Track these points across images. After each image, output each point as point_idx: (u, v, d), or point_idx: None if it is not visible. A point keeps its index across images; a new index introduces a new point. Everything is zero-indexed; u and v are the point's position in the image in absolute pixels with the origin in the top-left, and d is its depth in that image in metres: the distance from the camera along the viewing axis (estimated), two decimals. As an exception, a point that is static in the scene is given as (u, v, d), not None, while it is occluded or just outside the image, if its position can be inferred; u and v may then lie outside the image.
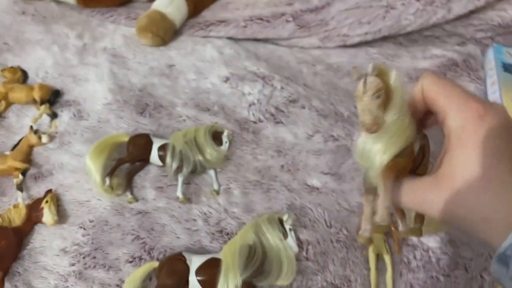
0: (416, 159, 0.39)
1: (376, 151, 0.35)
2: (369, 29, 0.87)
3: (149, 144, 0.69)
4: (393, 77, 0.36)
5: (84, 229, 0.63)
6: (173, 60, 0.85)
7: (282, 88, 0.80)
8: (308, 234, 0.65)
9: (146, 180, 0.69)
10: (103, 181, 0.65)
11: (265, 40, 0.92)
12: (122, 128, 0.74)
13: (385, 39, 0.91)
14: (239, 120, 0.76)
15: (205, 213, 0.66)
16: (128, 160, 0.68)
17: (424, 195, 0.34)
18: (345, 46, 0.90)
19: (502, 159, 0.31)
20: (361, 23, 0.87)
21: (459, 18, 0.89)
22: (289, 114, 0.77)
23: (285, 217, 0.64)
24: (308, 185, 0.70)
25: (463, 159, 0.32)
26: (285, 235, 0.62)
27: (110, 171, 0.66)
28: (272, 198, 0.69)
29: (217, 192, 0.69)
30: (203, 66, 0.83)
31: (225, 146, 0.72)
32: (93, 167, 0.66)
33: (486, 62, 0.83)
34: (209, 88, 0.81)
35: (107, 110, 0.76)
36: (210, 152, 0.69)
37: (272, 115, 0.77)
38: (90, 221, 0.64)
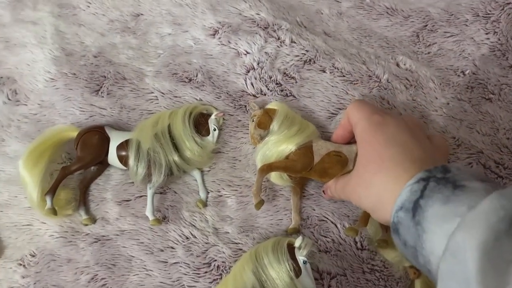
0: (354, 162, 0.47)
1: (258, 156, 0.50)
2: None
3: (105, 141, 0.51)
4: (275, 108, 0.51)
5: (25, 266, 0.48)
6: (140, 6, 0.63)
7: (292, 41, 0.58)
8: (331, 263, 0.48)
9: (107, 190, 0.52)
10: (43, 201, 0.48)
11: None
12: (71, 115, 0.55)
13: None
14: (233, 93, 0.56)
15: (187, 237, 0.49)
16: (76, 168, 0.50)
17: (345, 185, 0.44)
18: (382, -30, 0.65)
19: (393, 145, 0.39)
20: None
21: None
22: (303, 82, 0.56)
23: (297, 243, 0.46)
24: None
25: (363, 151, 0.41)
26: (297, 270, 0.45)
27: (52, 186, 0.48)
28: (280, 208, 0.51)
29: (204, 203, 0.51)
30: (181, 14, 0.61)
31: (213, 135, 0.53)
32: (29, 180, 0.49)
33: None
34: (190, 46, 0.59)
35: (51, 89, 0.57)
36: (191, 147, 0.50)
37: (279, 84, 0.56)
38: (32, 255, 0.49)
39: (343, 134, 0.48)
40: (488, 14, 0.60)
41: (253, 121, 0.51)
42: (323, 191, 0.50)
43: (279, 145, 0.48)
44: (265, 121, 0.50)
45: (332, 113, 0.54)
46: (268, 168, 0.46)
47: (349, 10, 0.63)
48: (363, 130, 0.42)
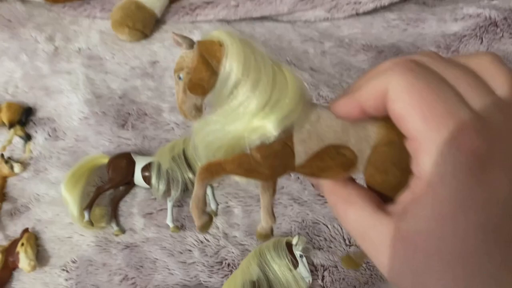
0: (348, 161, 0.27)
1: (196, 142, 0.28)
2: (384, -9, 0.75)
3: (131, 165, 0.62)
4: (221, 42, 0.26)
5: (67, 271, 0.58)
6: (156, 55, 0.76)
7: (283, 77, 0.70)
8: (324, 257, 0.57)
9: (133, 205, 0.62)
10: (82, 215, 0.58)
11: (263, 17, 0.81)
12: (102, 146, 0.67)
13: (406, 0, 0.79)
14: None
15: (201, 241, 0.59)
16: (108, 188, 0.61)
17: (369, 228, 0.25)
18: (357, 15, 0.78)
19: (498, 240, 0.20)
20: (374, -15, 0.75)
21: (497, -37, 0.75)
22: (294, 110, 0.67)
23: (294, 241, 0.56)
24: (322, 196, 0.61)
25: (436, 226, 0.21)
26: (295, 263, 0.55)
27: (89, 203, 0.59)
28: (280, 214, 0.61)
29: (215, 213, 0.61)
30: (190, 59, 0.74)
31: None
32: (70, 199, 0.59)
33: (534, 18, 0.70)
34: (199, 85, 0.72)
35: (85, 126, 0.69)
36: (203, 166, 0.61)
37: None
38: (73, 262, 0.58)
39: (354, 112, 0.25)
40: (448, 45, 0.72)
41: (180, 78, 0.27)
42: (313, 184, 0.32)
43: (230, 127, 0.26)
44: (201, 76, 0.26)
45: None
46: (213, 171, 0.27)
47: (331, 48, 0.75)
48: (445, 182, 0.21)
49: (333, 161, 0.27)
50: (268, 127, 0.25)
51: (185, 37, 0.26)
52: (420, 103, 0.22)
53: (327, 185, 0.28)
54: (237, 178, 0.28)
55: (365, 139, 0.27)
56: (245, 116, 0.26)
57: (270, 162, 0.27)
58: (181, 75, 0.27)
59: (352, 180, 0.28)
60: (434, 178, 0.21)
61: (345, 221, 0.26)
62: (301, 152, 0.27)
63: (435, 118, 0.21)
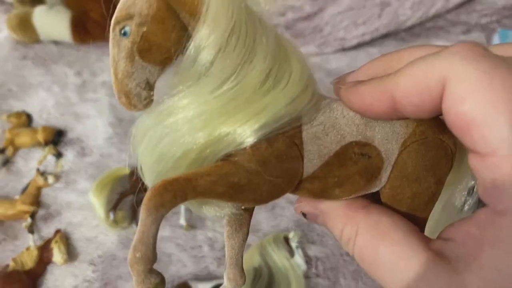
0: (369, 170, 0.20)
1: (141, 151, 0.20)
2: (365, 29, 0.88)
3: (150, 174, 0.72)
4: None
5: (94, 265, 0.67)
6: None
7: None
8: (317, 250, 0.66)
9: (151, 210, 0.72)
10: (108, 216, 0.68)
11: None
12: (124, 160, 0.78)
13: (386, 36, 0.92)
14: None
15: (210, 238, 0.68)
16: (131, 193, 0.71)
17: (416, 279, 0.17)
18: (344, 50, 0.91)
19: None
20: (356, 24, 0.88)
21: (461, 5, 0.88)
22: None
23: (290, 235, 0.65)
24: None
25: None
26: (291, 253, 0.64)
27: (113, 205, 0.69)
28: (278, 215, 0.70)
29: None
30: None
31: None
32: (97, 203, 0.70)
33: (493, 49, 0.82)
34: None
35: (109, 144, 0.80)
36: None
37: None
38: (99, 257, 0.68)
39: (381, 108, 0.19)
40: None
41: (123, 33, 0.19)
42: (303, 213, 0.24)
43: (204, 123, 0.18)
44: (166, 33, 0.18)
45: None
46: (176, 191, 0.18)
47: (321, 78, 0.88)
48: None
49: (355, 166, 0.19)
50: (267, 118, 0.18)
51: None
52: (508, 103, 0.15)
53: (338, 211, 0.20)
54: (205, 209, 0.21)
55: (392, 135, 0.20)
56: (231, 104, 0.17)
57: (270, 170, 0.18)
58: (126, 29, 0.18)
59: (370, 200, 0.21)
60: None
61: (372, 263, 0.19)
62: (314, 153, 0.19)
63: None
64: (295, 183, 0.19)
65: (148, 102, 0.19)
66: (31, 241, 0.68)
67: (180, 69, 0.18)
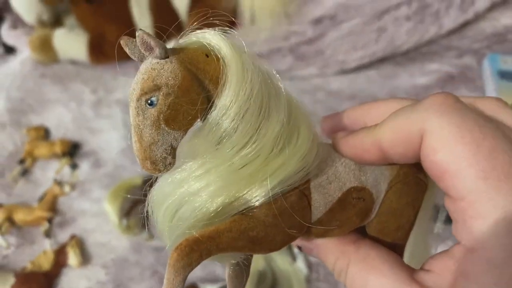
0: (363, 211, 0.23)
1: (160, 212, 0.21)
2: (364, 53, 0.94)
3: (161, 183, 0.77)
4: (217, 55, 0.19)
5: (107, 268, 0.71)
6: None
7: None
8: (317, 256, 0.70)
9: (161, 218, 0.77)
10: (121, 223, 0.73)
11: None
12: (136, 171, 0.83)
13: (383, 60, 0.98)
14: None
15: (217, 244, 0.73)
16: (143, 201, 0.76)
17: None
18: (344, 72, 0.97)
19: None
20: (355, 48, 0.95)
21: (453, 31, 0.95)
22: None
23: (292, 241, 0.70)
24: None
25: None
26: (294, 258, 0.68)
27: (126, 212, 0.74)
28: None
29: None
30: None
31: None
32: (111, 210, 0.74)
33: (483, 72, 0.88)
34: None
35: (122, 156, 0.85)
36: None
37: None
38: (112, 260, 0.72)
39: (371, 156, 0.22)
40: (417, 94, 0.90)
41: (150, 103, 0.21)
42: (299, 247, 0.27)
43: (227, 186, 0.20)
44: (192, 100, 0.20)
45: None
46: (202, 250, 0.20)
47: (322, 98, 0.94)
48: (495, 235, 0.17)
49: (354, 209, 0.22)
50: (281, 177, 0.19)
51: (158, 40, 0.19)
52: (476, 155, 0.17)
53: (330, 245, 0.23)
54: (218, 259, 0.21)
55: (380, 178, 0.22)
56: (250, 167, 0.19)
57: (285, 221, 0.20)
58: (153, 99, 0.19)
59: (359, 235, 0.23)
60: (494, 251, 0.17)
61: None
62: (320, 201, 0.21)
63: (498, 176, 0.17)
64: (304, 230, 0.22)
65: (172, 166, 0.20)
66: (48, 245, 0.73)
67: (201, 134, 0.19)
